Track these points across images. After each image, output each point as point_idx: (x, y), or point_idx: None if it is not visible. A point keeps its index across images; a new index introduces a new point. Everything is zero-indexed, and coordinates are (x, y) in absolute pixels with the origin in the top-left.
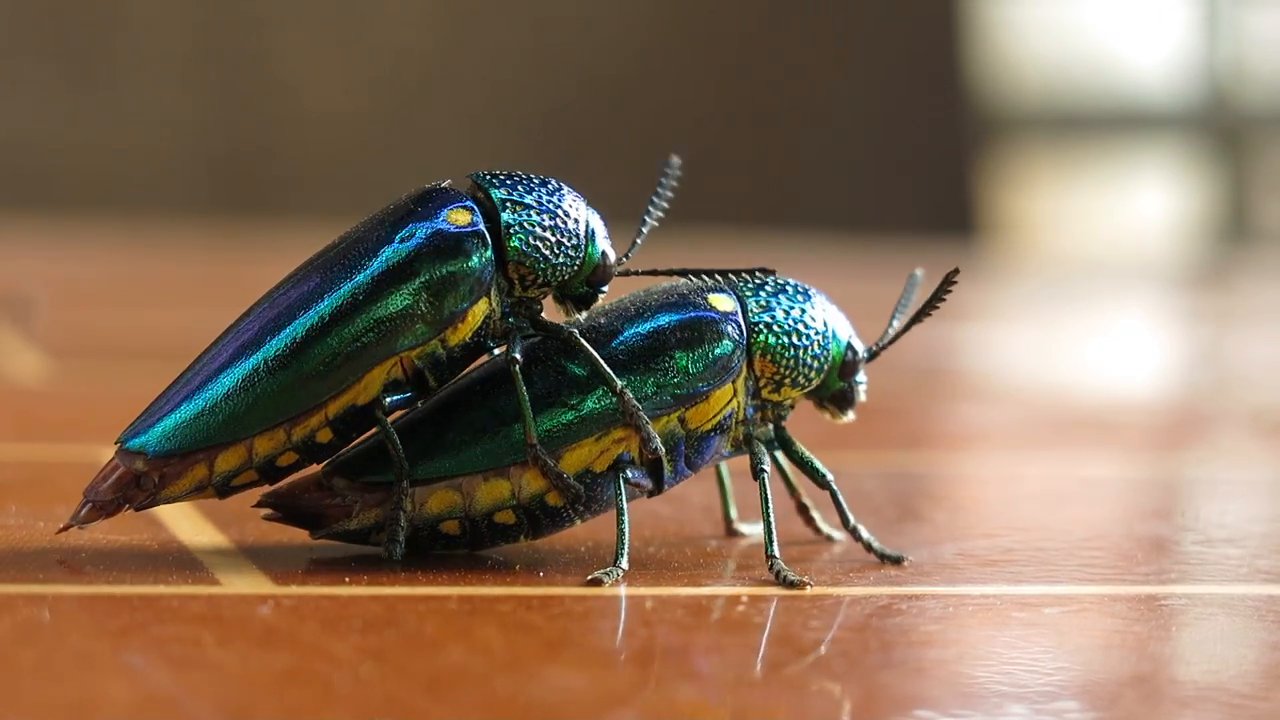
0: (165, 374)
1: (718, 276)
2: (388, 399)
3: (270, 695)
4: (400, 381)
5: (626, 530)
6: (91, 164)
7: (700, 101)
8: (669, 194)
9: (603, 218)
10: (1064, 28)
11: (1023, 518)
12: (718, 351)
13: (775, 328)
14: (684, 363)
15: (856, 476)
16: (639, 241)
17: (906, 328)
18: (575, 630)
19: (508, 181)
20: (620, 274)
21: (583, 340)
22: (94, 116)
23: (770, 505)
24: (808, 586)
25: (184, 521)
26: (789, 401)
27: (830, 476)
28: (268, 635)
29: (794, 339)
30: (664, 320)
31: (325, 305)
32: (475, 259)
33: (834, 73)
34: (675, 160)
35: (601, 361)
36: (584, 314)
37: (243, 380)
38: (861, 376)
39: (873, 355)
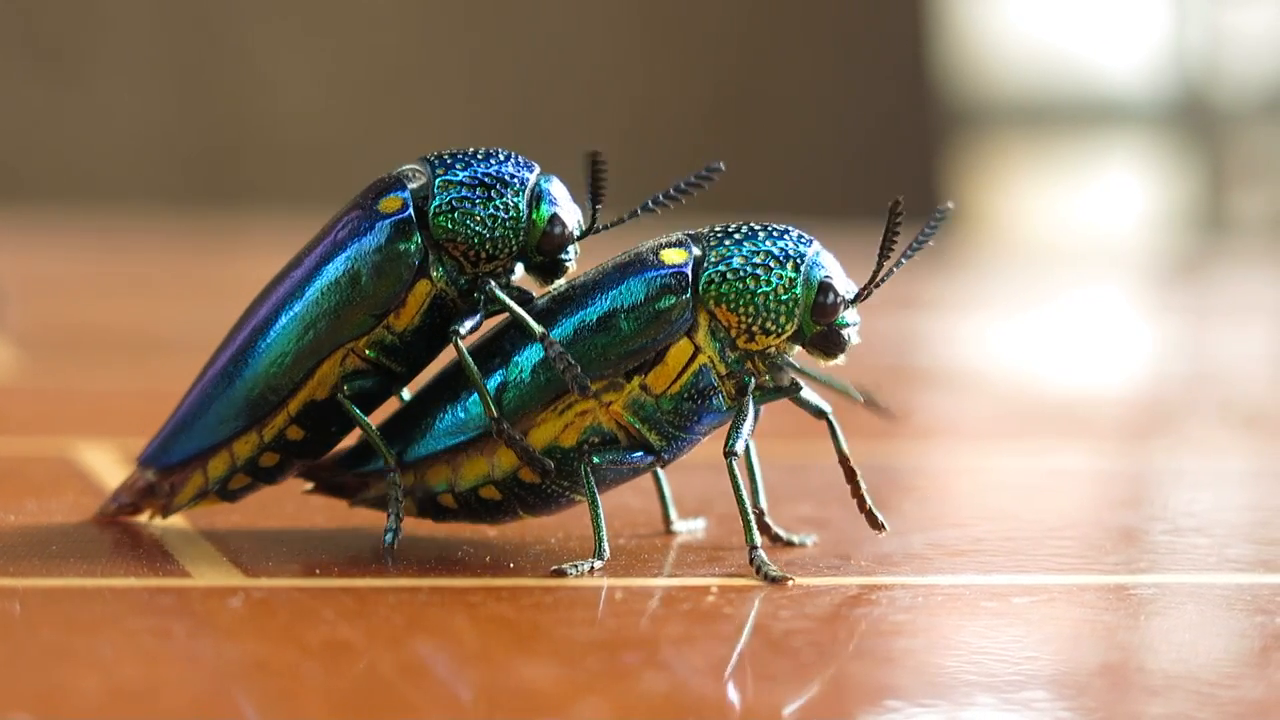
0: (136, 368)
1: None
2: (352, 385)
3: (241, 687)
4: (362, 370)
5: (600, 518)
6: (63, 158)
7: (669, 93)
8: (691, 193)
9: (562, 184)
10: (1038, 19)
11: (992, 508)
12: (655, 306)
13: (730, 275)
14: (622, 320)
15: (826, 467)
16: (625, 219)
17: (891, 269)
18: (545, 621)
19: (448, 160)
20: (582, 236)
21: (502, 294)
22: (66, 111)
23: (743, 491)
24: (790, 582)
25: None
26: (773, 349)
27: (829, 409)
28: (238, 627)
29: (750, 284)
30: (610, 280)
31: (275, 308)
32: (401, 244)
33: (803, 62)
34: (720, 165)
35: (523, 312)
36: (558, 281)
37: (215, 389)
38: (849, 318)
39: (857, 298)
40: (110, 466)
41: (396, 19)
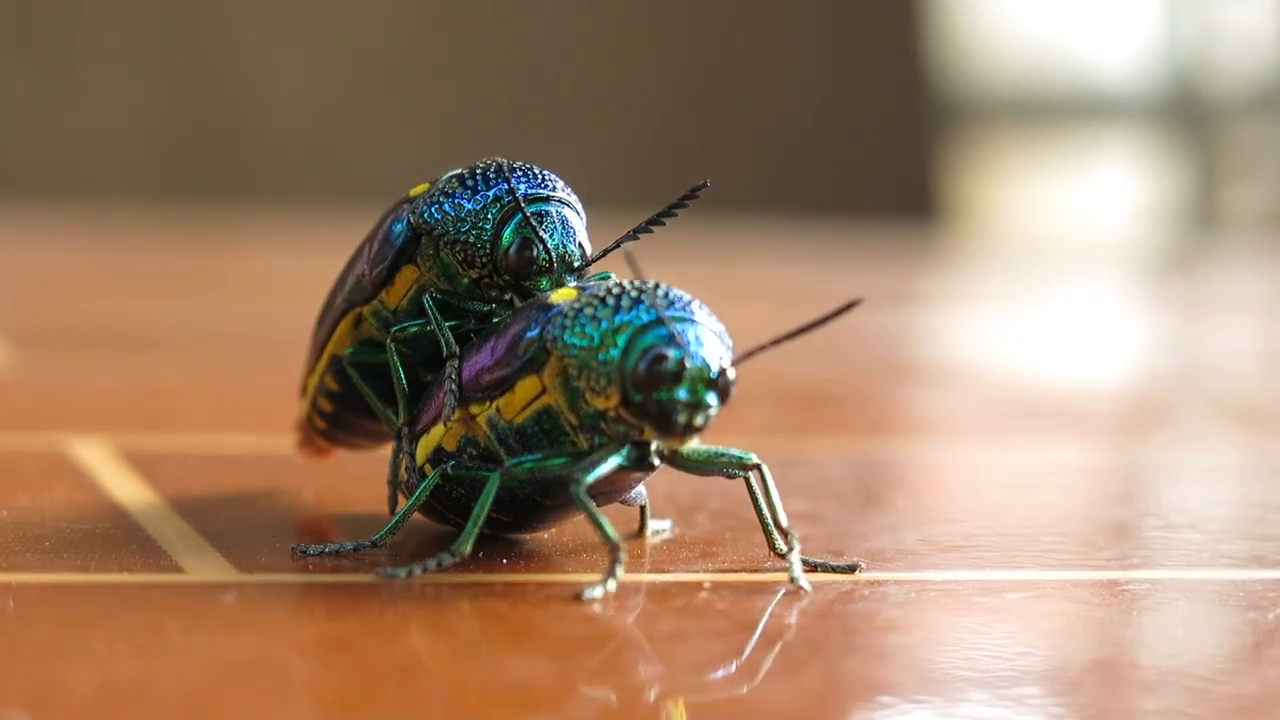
0: (129, 362)
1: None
2: (358, 353)
3: (233, 683)
4: (372, 341)
5: (407, 514)
6: (55, 152)
7: (660, 88)
8: (675, 215)
9: (575, 215)
10: (1031, 13)
11: (985, 504)
12: (514, 332)
13: (567, 320)
14: (495, 344)
15: (819, 463)
16: (609, 249)
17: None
18: (538, 617)
19: (486, 164)
20: (575, 269)
21: (429, 302)
22: (57, 105)
23: (590, 509)
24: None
25: (148, 509)
26: (612, 413)
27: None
28: (231, 623)
29: (578, 337)
30: (519, 309)
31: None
32: (393, 223)
33: (794, 57)
34: (706, 183)
35: (442, 326)
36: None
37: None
38: (682, 395)
39: (710, 380)
40: (103, 461)
41: (390, 12)
